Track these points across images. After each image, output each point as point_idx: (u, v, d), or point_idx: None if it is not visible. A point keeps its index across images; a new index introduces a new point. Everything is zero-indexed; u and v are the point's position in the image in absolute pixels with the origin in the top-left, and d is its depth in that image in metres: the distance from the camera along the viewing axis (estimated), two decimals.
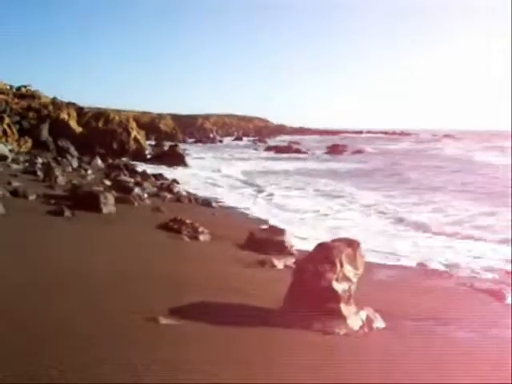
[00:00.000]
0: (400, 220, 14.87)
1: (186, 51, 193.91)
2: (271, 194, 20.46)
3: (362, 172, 32.22)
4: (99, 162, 27.33)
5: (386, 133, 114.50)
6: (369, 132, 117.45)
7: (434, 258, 10.32)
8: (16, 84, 43.04)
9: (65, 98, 41.99)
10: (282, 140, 79.12)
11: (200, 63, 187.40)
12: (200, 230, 10.59)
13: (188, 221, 10.85)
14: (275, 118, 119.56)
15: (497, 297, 7.92)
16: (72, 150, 31.23)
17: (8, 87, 41.98)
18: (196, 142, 71.36)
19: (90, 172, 22.05)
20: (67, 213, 11.07)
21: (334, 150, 54.13)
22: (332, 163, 39.19)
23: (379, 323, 5.75)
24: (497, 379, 4.50)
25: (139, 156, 34.61)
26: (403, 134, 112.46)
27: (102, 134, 35.71)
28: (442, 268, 9.67)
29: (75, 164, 24.62)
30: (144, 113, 76.37)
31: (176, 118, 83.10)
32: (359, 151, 54.67)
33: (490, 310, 7.32)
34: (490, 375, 4.59)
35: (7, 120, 31.17)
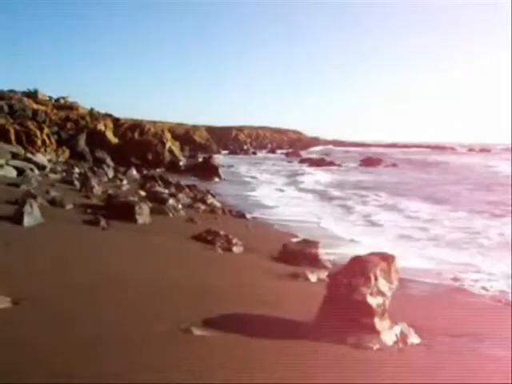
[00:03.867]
0: None
1: (221, 63, 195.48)
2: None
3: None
4: (134, 172, 27.68)
5: (419, 146, 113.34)
6: (404, 146, 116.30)
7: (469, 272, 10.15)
8: (55, 95, 43.97)
9: (102, 109, 42.72)
10: (313, 151, 79.51)
11: (234, 75, 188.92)
12: (233, 241, 10.64)
13: (222, 232, 10.91)
14: (309, 131, 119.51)
15: None
16: (108, 160, 31.72)
17: (47, 98, 42.90)
18: (230, 153, 71.74)
19: (125, 182, 22.33)
20: (103, 222, 11.21)
21: (368, 163, 53.83)
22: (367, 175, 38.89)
23: (414, 339, 5.69)
24: None
25: (174, 167, 34.92)
26: (438, 147, 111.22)
27: (137, 145, 36.15)
28: (477, 283, 9.51)
29: (111, 174, 24.96)
30: (179, 124, 77.03)
31: (210, 129, 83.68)
32: (394, 164, 54.20)
33: None
34: None
35: (46, 130, 31.75)
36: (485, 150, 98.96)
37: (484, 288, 9.24)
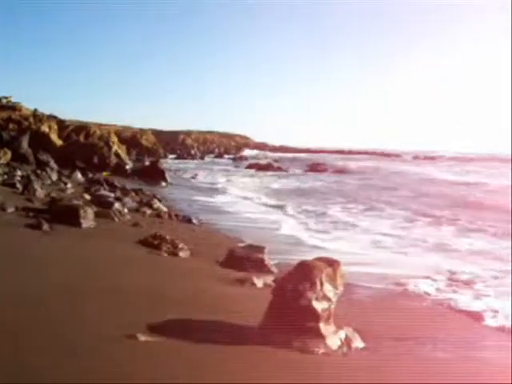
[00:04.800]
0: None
1: (167, 66, 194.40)
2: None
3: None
4: (79, 175, 27.16)
5: (366, 153, 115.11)
6: (349, 152, 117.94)
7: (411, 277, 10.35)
8: None
9: (46, 110, 41.82)
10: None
11: (182, 78, 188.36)
12: (180, 246, 10.57)
13: (168, 237, 10.82)
14: (256, 136, 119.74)
15: (475, 318, 7.99)
16: (52, 163, 31.05)
17: None
18: (177, 158, 71.32)
19: (69, 186, 21.89)
20: (45, 226, 10.97)
21: (314, 169, 54.41)
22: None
23: (358, 343, 5.77)
24: None
25: (120, 171, 34.48)
26: (384, 154, 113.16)
27: (82, 148, 35.57)
28: (420, 288, 9.70)
29: (55, 177, 24.44)
30: (125, 127, 76.11)
31: (157, 133, 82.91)
32: (340, 171, 54.88)
33: (468, 331, 7.39)
34: None
35: None
36: (428, 158, 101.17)
37: (426, 292, 9.43)
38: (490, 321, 7.87)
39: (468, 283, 10.15)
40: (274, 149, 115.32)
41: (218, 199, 24.90)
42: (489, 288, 9.82)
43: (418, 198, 27.52)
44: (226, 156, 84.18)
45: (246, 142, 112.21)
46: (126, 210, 15.31)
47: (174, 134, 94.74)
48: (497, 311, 8.26)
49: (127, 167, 36.27)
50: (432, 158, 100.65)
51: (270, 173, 49.34)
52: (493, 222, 18.40)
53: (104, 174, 30.84)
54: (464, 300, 9.00)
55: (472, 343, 6.73)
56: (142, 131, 75.88)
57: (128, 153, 44.68)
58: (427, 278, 10.33)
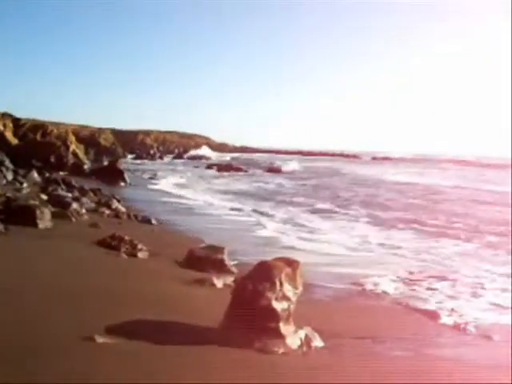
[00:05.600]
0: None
1: (126, 65, 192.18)
2: None
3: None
4: (35, 175, 26.65)
5: (325, 154, 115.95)
6: (309, 153, 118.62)
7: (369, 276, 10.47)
8: None
9: (1, 108, 40.94)
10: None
11: (143, 77, 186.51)
12: (139, 247, 10.47)
13: (126, 237, 10.71)
14: (217, 136, 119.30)
15: (431, 316, 8.12)
16: (7, 162, 30.31)
17: None
18: (136, 157, 70.67)
19: (25, 185, 21.49)
20: (0, 227, 10.74)
21: (272, 170, 54.42)
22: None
23: (318, 342, 5.81)
24: None
25: (78, 170, 33.96)
26: (343, 155, 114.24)
27: (39, 147, 34.88)
28: (379, 287, 9.82)
29: (10, 177, 23.92)
30: (84, 126, 75.07)
31: (116, 132, 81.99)
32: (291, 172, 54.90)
33: (425, 329, 7.51)
34: None
35: None
36: (387, 159, 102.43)
37: (385, 292, 9.55)
38: (445, 319, 8.01)
39: (425, 282, 10.31)
40: (235, 149, 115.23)
41: (178, 199, 24.75)
42: (445, 287, 10.01)
43: (370, 198, 27.68)
44: (185, 156, 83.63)
45: (206, 143, 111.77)
46: (83, 211, 15.10)
47: (133, 134, 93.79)
48: (452, 310, 8.42)
49: (85, 167, 35.76)
50: (388, 159, 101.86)
51: (230, 173, 49.32)
52: (448, 223, 18.77)
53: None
54: (421, 299, 9.14)
55: (429, 341, 6.85)
56: (101, 130, 74.99)
57: (86, 152, 44.02)
58: (385, 277, 10.44)
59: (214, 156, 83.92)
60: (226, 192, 29.57)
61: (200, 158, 77.05)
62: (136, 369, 4.43)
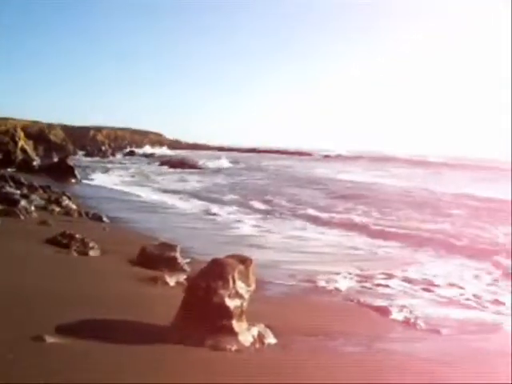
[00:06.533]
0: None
1: (77, 58, 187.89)
2: None
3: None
4: None
5: (278, 152, 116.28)
6: (262, 151, 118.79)
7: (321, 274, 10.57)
8: None
9: None
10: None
11: (94, 72, 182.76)
12: (90, 244, 10.31)
13: (77, 235, 10.54)
14: (170, 133, 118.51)
15: (382, 312, 8.26)
16: None
17: None
18: (87, 154, 69.56)
19: None
20: None
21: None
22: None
23: (270, 339, 5.84)
24: None
25: (27, 167, 33.23)
26: (296, 153, 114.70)
27: None
28: (331, 284, 9.92)
29: None
30: (33, 122, 73.42)
31: (67, 129, 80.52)
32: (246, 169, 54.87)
33: (376, 325, 7.63)
34: None
35: None
36: (341, 157, 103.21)
37: (337, 288, 9.66)
38: (396, 315, 8.16)
39: (376, 279, 10.48)
40: (188, 146, 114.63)
41: (129, 197, 24.51)
42: (395, 284, 10.20)
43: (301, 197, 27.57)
44: (138, 153, 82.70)
45: (159, 140, 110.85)
46: (32, 208, 14.79)
47: (84, 130, 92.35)
48: (403, 306, 8.58)
49: (34, 163, 34.99)
50: (344, 157, 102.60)
51: (182, 170, 49.15)
52: (397, 223, 19.11)
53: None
54: (372, 295, 9.29)
55: (380, 336, 6.97)
56: (51, 126, 73.57)
57: (35, 148, 43.14)
58: (337, 274, 10.57)
59: (159, 152, 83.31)
60: (175, 189, 29.36)
61: (146, 156, 76.27)
62: (87, 368, 4.36)
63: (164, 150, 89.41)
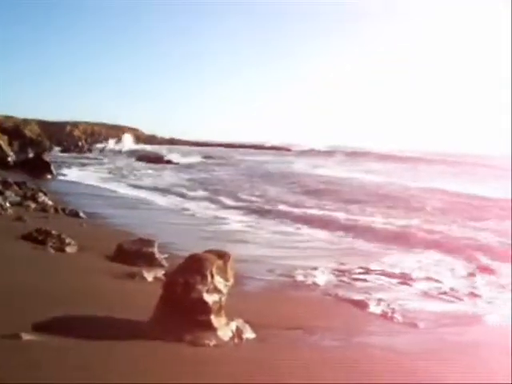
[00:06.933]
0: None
1: (53, 52, 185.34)
2: None
3: None
4: None
5: (253, 147, 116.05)
6: (241, 146, 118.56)
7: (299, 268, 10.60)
8: None
9: None
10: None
11: (69, 66, 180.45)
12: (67, 241, 10.22)
13: (54, 231, 10.44)
14: (146, 128, 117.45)
15: (360, 306, 8.32)
16: None
17: None
18: (63, 150, 68.84)
19: None
20: None
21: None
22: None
23: (249, 334, 5.85)
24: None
25: (1, 163, 32.77)
26: (273, 148, 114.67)
27: None
28: (309, 279, 9.96)
29: None
30: (7, 117, 72.51)
31: (43, 124, 79.65)
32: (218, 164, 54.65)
33: (354, 319, 7.68)
34: (358, 380, 4.83)
35: None
36: (318, 151, 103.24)
37: (315, 283, 9.70)
38: (373, 308, 8.23)
39: (354, 274, 10.54)
40: (164, 141, 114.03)
41: (106, 193, 24.34)
42: (372, 278, 10.27)
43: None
44: (114, 148, 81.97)
45: (135, 134, 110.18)
46: (7, 204, 14.62)
47: (60, 126, 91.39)
48: (380, 299, 8.65)
49: (9, 159, 34.54)
50: (317, 151, 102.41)
51: (160, 165, 48.99)
52: (374, 218, 19.22)
53: None
54: (350, 289, 9.35)
55: (358, 330, 7.02)
56: (26, 121, 72.75)
57: (10, 144, 42.58)
58: (315, 269, 10.60)
59: (134, 147, 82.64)
60: (150, 185, 29.21)
61: (123, 151, 75.79)
62: (64, 365, 4.33)
63: (140, 146, 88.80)
